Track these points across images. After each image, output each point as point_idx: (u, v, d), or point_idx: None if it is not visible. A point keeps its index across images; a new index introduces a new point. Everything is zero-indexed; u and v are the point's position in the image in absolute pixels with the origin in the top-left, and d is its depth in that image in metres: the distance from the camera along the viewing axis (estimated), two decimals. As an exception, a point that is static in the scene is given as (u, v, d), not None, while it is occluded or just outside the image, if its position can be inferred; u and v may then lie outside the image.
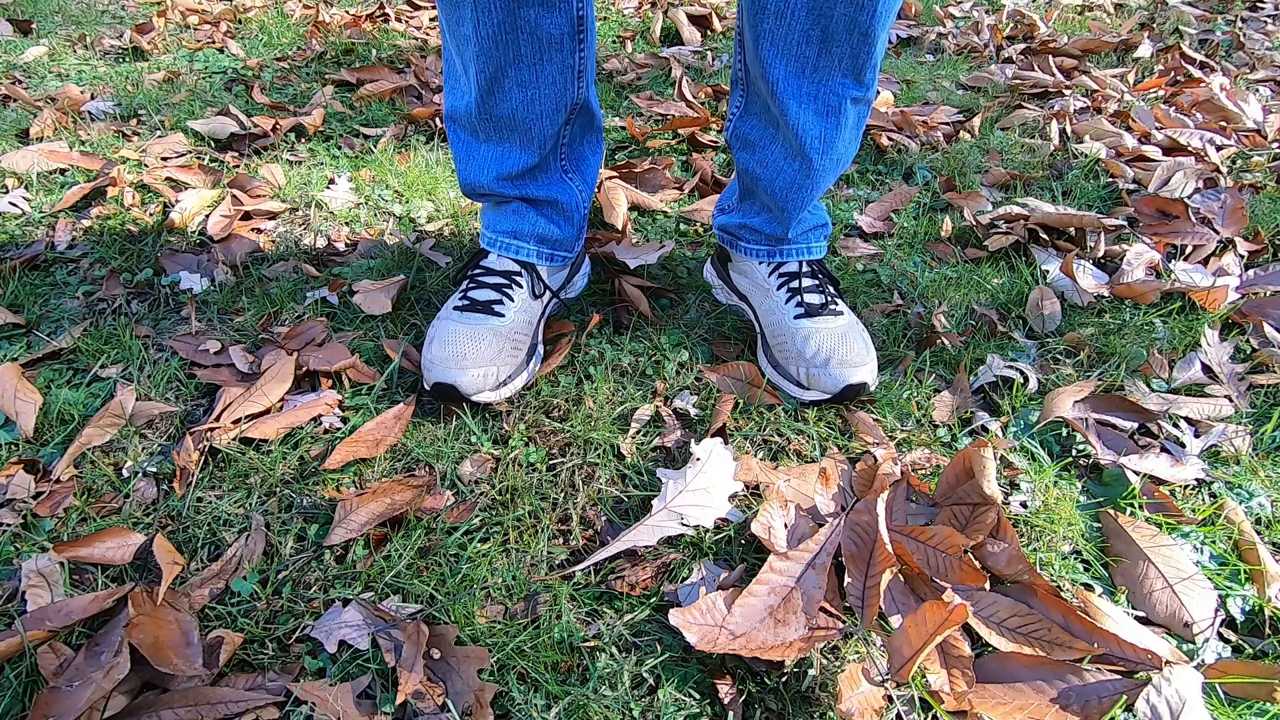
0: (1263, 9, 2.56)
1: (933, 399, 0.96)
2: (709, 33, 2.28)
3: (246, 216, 1.31)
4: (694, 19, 2.29)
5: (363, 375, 0.97)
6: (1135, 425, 0.93)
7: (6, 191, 1.34)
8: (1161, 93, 1.87)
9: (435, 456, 0.87)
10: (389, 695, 0.65)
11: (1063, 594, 0.73)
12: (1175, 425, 0.93)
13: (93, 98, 1.72)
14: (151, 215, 1.29)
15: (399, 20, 2.31)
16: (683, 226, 1.33)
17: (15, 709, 0.64)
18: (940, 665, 0.66)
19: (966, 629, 0.69)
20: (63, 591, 0.72)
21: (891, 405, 0.95)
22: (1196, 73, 1.99)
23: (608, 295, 1.15)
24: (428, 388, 0.91)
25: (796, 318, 0.97)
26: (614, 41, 2.21)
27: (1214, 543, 0.79)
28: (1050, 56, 2.08)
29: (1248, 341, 1.06)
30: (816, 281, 1.00)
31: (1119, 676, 0.65)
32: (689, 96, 1.78)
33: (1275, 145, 1.57)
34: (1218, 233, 1.27)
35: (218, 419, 0.89)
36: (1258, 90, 1.91)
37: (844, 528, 0.76)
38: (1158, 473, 0.86)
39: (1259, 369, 1.02)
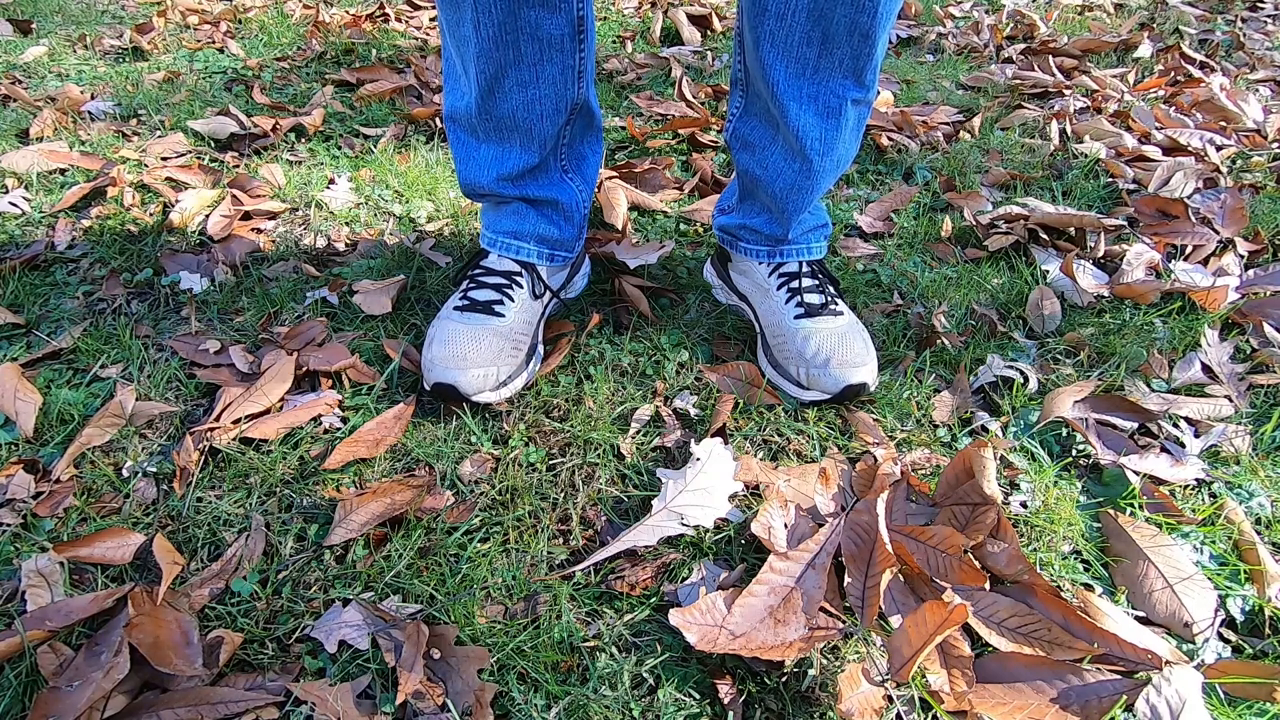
0: (1263, 9, 2.56)
1: (933, 399, 0.96)
2: (709, 33, 2.28)
3: (246, 216, 1.31)
4: (694, 19, 2.29)
5: (363, 375, 0.97)
6: (1135, 425, 0.93)
7: (6, 191, 1.34)
8: (1161, 93, 1.87)
9: (435, 456, 0.87)
10: (389, 695, 0.65)
11: (1063, 594, 0.73)
12: (1175, 425, 0.93)
13: (93, 98, 1.72)
14: (151, 215, 1.29)
15: (399, 20, 2.31)
16: (683, 226, 1.33)
17: (15, 709, 0.64)
18: (940, 665, 0.66)
19: (966, 629, 0.69)
20: (63, 591, 0.72)
21: (891, 405, 0.95)
22: (1196, 73, 1.99)
23: (608, 295, 1.15)
24: (428, 388, 0.91)
25: (796, 318, 0.97)
26: (614, 41, 2.21)
27: (1214, 543, 0.79)
28: (1050, 56, 2.08)
29: (1248, 341, 1.06)
30: (816, 281, 1.00)
31: (1119, 676, 0.65)
32: (689, 96, 1.78)
33: (1275, 145, 1.57)
34: (1218, 233, 1.27)
35: (218, 419, 0.89)
36: (1258, 90, 1.91)
37: (844, 528, 0.76)
38: (1158, 473, 0.86)
39: (1259, 369, 1.02)
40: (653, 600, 0.73)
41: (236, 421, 0.89)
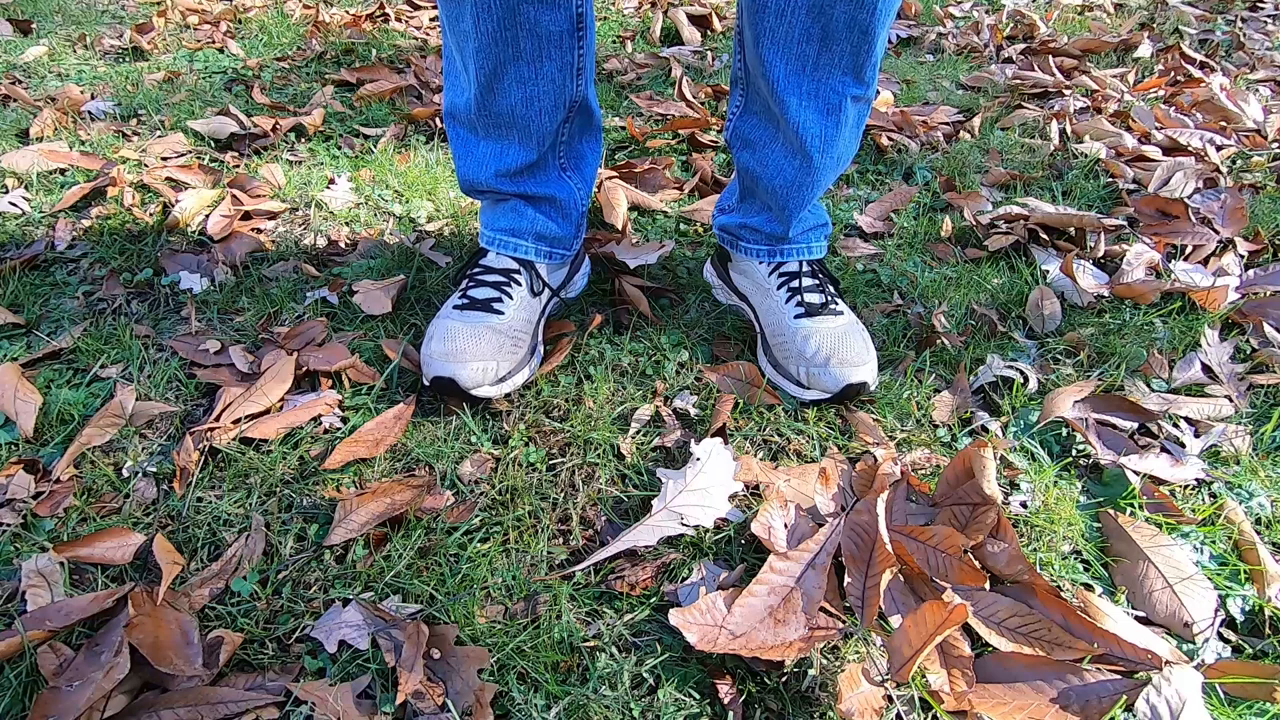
0: (1263, 9, 2.56)
1: (933, 399, 0.96)
2: (709, 33, 2.28)
3: (246, 216, 1.31)
4: (694, 19, 2.29)
5: (363, 375, 0.97)
6: (1135, 425, 0.93)
7: (6, 191, 1.34)
8: (1161, 93, 1.87)
9: (435, 456, 0.87)
10: (389, 695, 0.65)
11: (1063, 594, 0.73)
12: (1175, 425, 0.93)
13: (93, 98, 1.72)
14: (151, 215, 1.29)
15: (399, 20, 2.31)
16: (683, 226, 1.33)
17: (15, 709, 0.64)
18: (940, 665, 0.66)
19: (966, 629, 0.69)
20: (63, 591, 0.72)
21: (891, 405, 0.95)
22: (1196, 73, 1.99)
23: (608, 295, 1.15)
24: (427, 382, 0.91)
25: (797, 317, 0.97)
26: (614, 41, 2.21)
27: (1214, 543, 0.79)
28: (1050, 56, 2.08)
29: (1248, 341, 1.06)
30: (817, 281, 1.00)
31: (1119, 676, 0.65)
32: (689, 96, 1.78)
33: (1275, 145, 1.57)
34: (1218, 233, 1.27)
35: (218, 419, 0.89)
36: (1258, 90, 1.91)
37: (844, 528, 0.76)
38: (1158, 473, 0.86)
39: (1259, 369, 1.02)
40: (653, 600, 0.73)
41: (236, 421, 0.89)
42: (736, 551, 0.78)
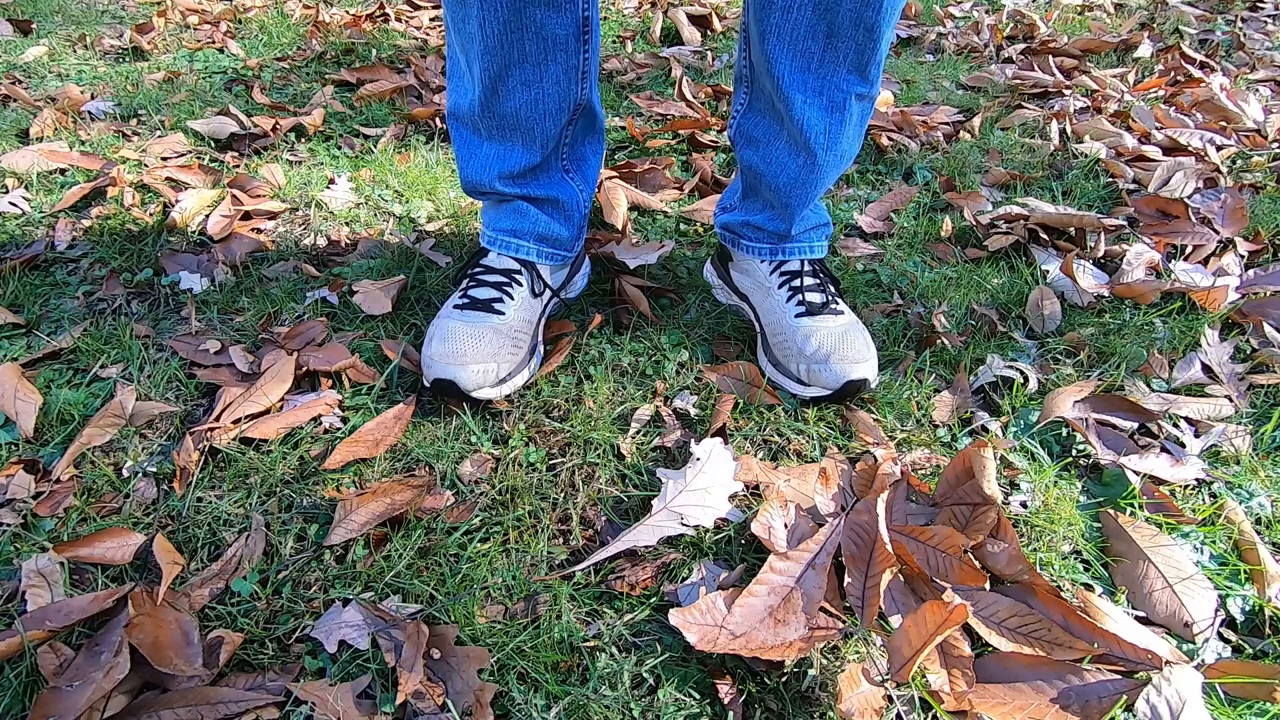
0: (1263, 9, 2.56)
1: (933, 399, 0.96)
2: (709, 33, 2.28)
3: (246, 216, 1.31)
4: (694, 19, 2.29)
5: (363, 375, 0.97)
6: (1135, 425, 0.93)
7: (6, 191, 1.34)
8: (1161, 93, 1.87)
9: (435, 456, 0.87)
10: (389, 695, 0.65)
11: (1063, 594, 0.73)
12: (1175, 425, 0.93)
13: (93, 98, 1.72)
14: (151, 215, 1.29)
15: (399, 20, 2.31)
16: (683, 226, 1.33)
17: (15, 709, 0.64)
18: (940, 665, 0.66)
19: (966, 629, 0.69)
20: (63, 591, 0.72)
21: (891, 405, 0.95)
22: (1196, 73, 1.99)
23: (608, 295, 1.15)
24: (428, 384, 0.91)
25: (797, 316, 0.97)
26: (614, 41, 2.21)
27: (1214, 543, 0.79)
28: (1050, 56, 2.08)
29: (1248, 341, 1.06)
30: (817, 281, 1.00)
31: (1119, 676, 0.65)
32: (689, 96, 1.78)
33: (1275, 145, 1.57)
34: (1218, 233, 1.27)
35: (218, 419, 0.89)
36: (1258, 90, 1.91)
37: (844, 528, 0.76)
38: (1158, 473, 0.86)
39: (1259, 369, 1.02)
40: (653, 600, 0.73)
41: (236, 421, 0.89)
42: (736, 551, 0.78)
